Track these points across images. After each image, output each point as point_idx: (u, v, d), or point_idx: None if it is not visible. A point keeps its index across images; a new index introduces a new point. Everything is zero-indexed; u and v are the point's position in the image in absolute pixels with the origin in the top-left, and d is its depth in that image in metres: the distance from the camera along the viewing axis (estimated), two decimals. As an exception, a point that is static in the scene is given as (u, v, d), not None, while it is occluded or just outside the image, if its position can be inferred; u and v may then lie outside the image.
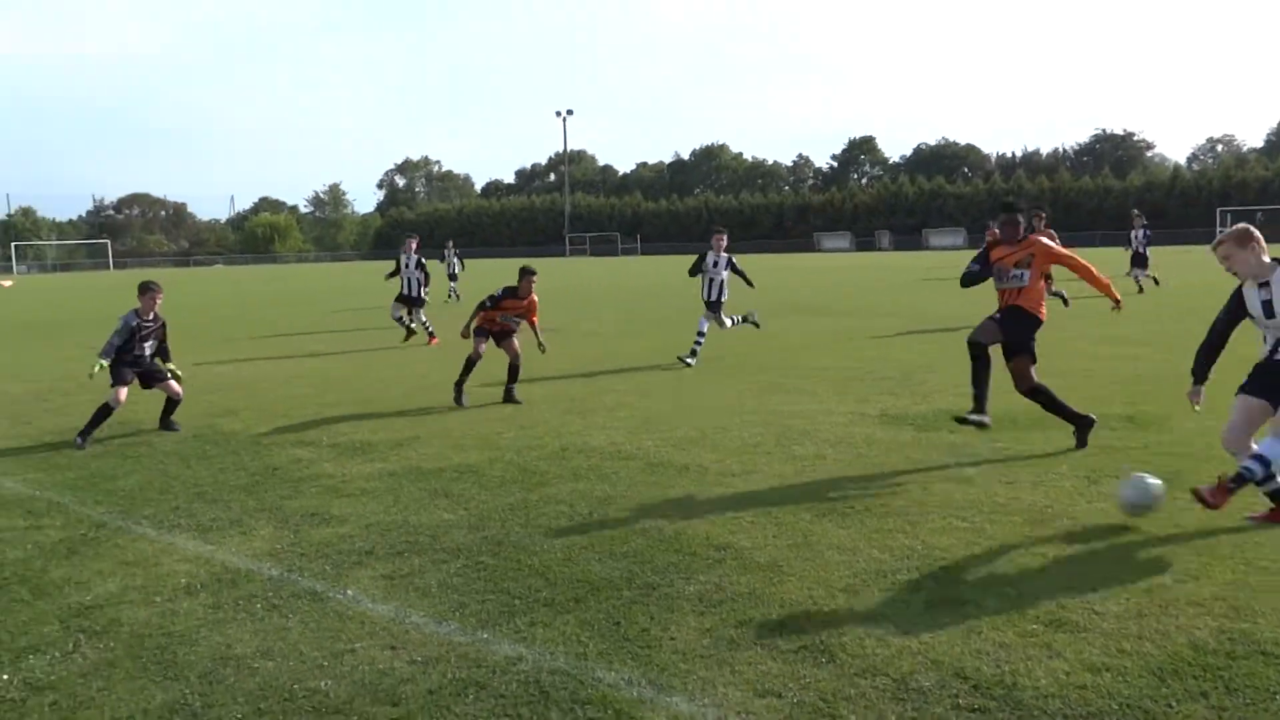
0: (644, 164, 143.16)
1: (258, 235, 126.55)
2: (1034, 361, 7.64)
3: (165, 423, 9.66)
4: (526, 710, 3.75)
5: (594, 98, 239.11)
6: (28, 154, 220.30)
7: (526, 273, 10.83)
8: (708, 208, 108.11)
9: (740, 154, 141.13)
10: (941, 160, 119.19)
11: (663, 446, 8.25)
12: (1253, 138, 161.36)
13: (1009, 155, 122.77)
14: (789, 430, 8.80)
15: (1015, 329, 7.60)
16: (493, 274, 48.64)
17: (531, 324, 11.17)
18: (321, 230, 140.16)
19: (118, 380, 9.20)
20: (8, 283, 38.21)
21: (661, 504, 6.50)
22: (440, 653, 4.28)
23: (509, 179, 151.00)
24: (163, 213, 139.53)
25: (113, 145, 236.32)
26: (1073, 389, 9.01)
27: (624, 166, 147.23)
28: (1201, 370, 5.93)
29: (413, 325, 17.86)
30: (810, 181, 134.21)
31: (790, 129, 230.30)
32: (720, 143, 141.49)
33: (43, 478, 7.84)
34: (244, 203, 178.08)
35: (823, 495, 6.61)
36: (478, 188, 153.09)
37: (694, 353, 13.39)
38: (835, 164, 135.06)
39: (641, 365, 13.50)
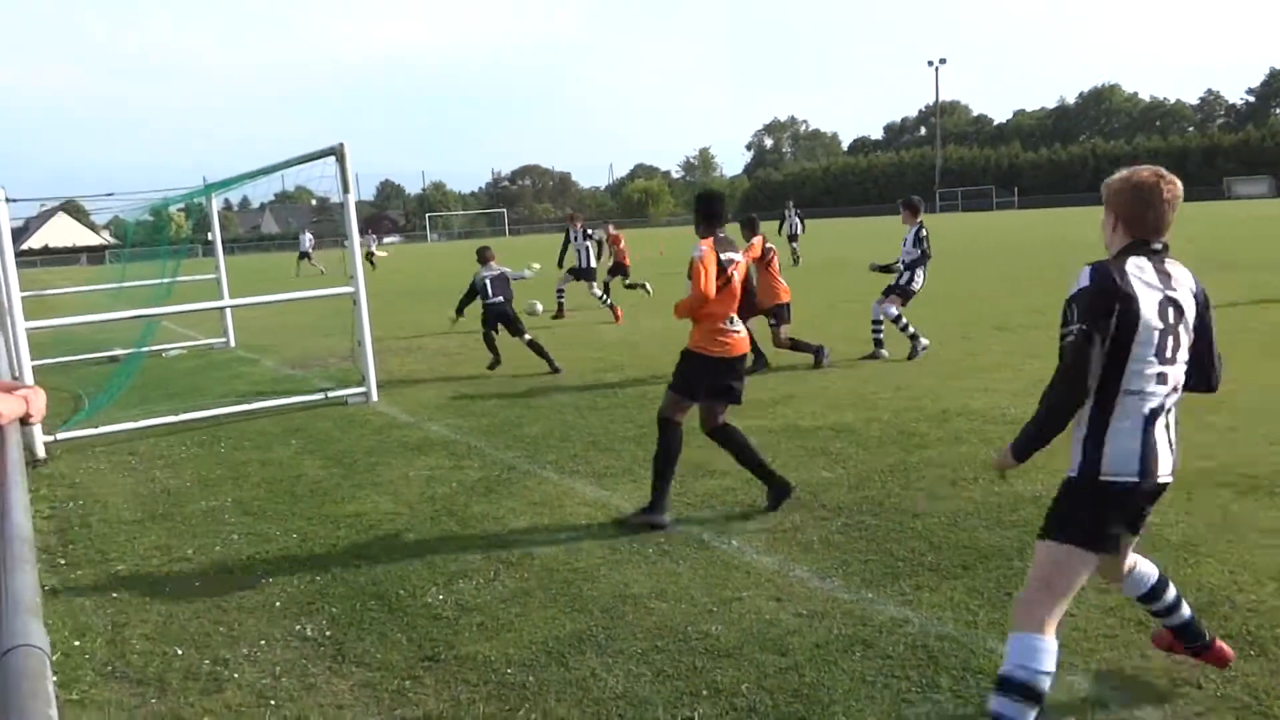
0: (1022, 111, 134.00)
1: (633, 200, 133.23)
2: (723, 399, 5.72)
3: (551, 365, 11.07)
4: (915, 673, 3.71)
5: (969, 43, 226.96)
6: (439, 135, 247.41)
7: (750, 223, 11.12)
8: (1094, 155, 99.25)
9: (1134, 94, 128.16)
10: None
11: (1051, 411, 7.74)
12: None
13: None
14: (1198, 397, 7.93)
15: (684, 383, 5.70)
16: (833, 236, 47.83)
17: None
18: (691, 194, 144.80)
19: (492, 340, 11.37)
20: (383, 252, 43.11)
21: (1053, 472, 6.11)
22: (825, 608, 4.33)
23: (876, 135, 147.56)
24: (550, 182, 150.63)
25: (508, 122, 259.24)
26: None
27: (1000, 115, 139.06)
28: None
29: (600, 296, 17.54)
30: (1220, 120, 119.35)
31: (1196, 62, 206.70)
32: (1111, 83, 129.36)
33: (461, 423, 8.80)
34: (621, 170, 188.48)
35: (1243, 470, 5.94)
36: (844, 145, 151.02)
37: (879, 344, 11.12)
38: (1252, 98, 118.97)
39: (1022, 324, 12.76)
